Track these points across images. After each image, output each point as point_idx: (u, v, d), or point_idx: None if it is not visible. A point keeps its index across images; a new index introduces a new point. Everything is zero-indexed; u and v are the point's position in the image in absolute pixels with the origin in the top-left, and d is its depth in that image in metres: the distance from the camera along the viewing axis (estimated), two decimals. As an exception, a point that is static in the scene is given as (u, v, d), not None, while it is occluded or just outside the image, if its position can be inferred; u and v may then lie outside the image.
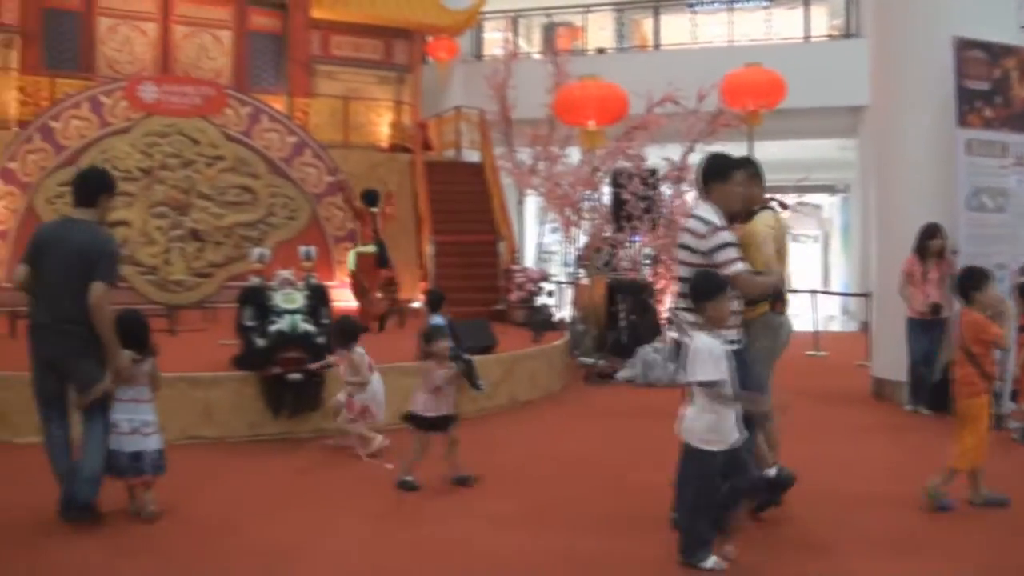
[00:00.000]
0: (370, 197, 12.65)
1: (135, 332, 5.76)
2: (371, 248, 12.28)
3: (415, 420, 6.62)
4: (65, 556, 5.16)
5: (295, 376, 7.84)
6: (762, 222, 5.83)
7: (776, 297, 5.79)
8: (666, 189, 12.78)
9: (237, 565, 5.07)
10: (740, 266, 5.21)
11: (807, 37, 20.57)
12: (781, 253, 5.85)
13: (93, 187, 5.84)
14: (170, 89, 15.00)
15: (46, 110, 14.74)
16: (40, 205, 13.98)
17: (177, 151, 14.77)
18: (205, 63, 18.06)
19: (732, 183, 5.42)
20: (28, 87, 16.02)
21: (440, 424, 6.61)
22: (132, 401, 5.71)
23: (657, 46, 22.34)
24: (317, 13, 18.42)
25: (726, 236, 5.22)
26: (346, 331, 7.77)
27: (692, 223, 5.36)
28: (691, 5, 23.12)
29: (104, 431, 5.63)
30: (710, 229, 5.22)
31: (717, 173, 5.42)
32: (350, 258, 12.19)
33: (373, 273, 12.43)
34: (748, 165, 6.01)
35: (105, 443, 5.62)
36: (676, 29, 22.79)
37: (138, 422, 5.69)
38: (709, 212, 5.31)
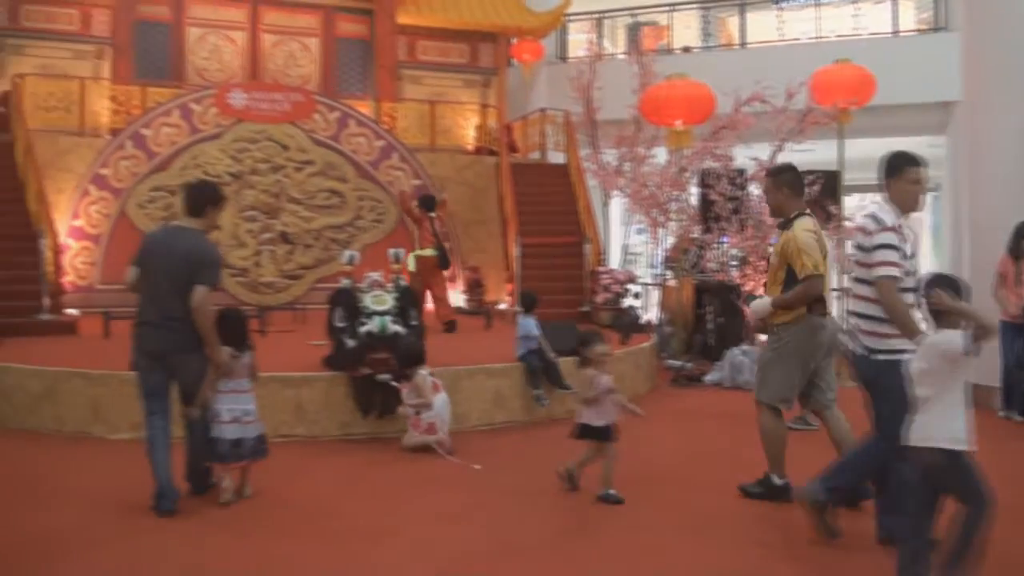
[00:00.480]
0: (427, 202, 12.71)
1: (234, 328, 6.19)
2: (430, 251, 12.31)
3: (585, 431, 6.28)
4: (173, 537, 5.46)
5: (384, 376, 7.93)
6: (801, 227, 6.01)
7: (816, 299, 5.99)
8: (754, 189, 12.63)
9: (336, 543, 5.37)
10: (892, 271, 4.98)
11: (895, 31, 20.17)
12: (823, 259, 6.06)
13: (201, 199, 6.22)
14: (259, 96, 15.29)
15: (138, 118, 15.13)
16: (132, 210, 14.36)
17: (267, 156, 15.08)
18: (293, 70, 18.40)
19: (903, 179, 5.19)
20: (119, 96, 16.47)
21: (605, 434, 6.23)
22: (232, 392, 6.11)
23: (743, 44, 22.07)
24: (403, 19, 18.67)
25: (889, 237, 5.04)
26: (409, 355, 7.87)
27: (865, 221, 5.22)
28: (777, 1, 22.84)
29: (202, 433, 6.04)
30: (878, 227, 5.07)
31: (890, 169, 5.25)
32: (410, 261, 12.28)
33: (435, 275, 12.48)
34: (788, 171, 6.38)
35: (203, 444, 6.06)
36: (762, 26, 22.53)
37: (238, 411, 6.11)
38: (883, 210, 5.17)
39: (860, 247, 5.18)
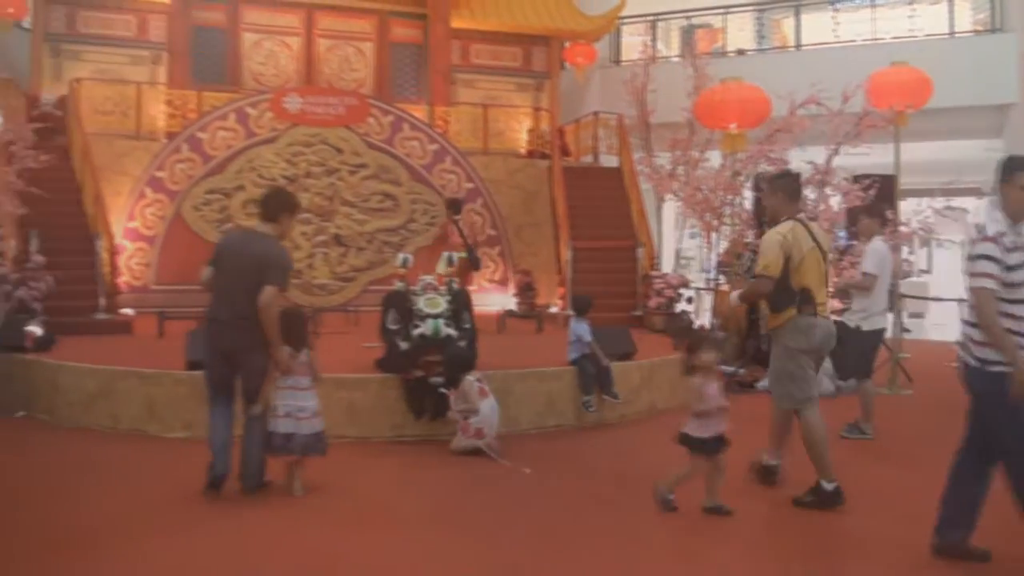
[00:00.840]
0: (455, 205, 12.65)
1: (294, 328, 6.41)
2: (462, 253, 12.21)
3: (690, 442, 5.95)
4: (233, 525, 5.72)
5: (437, 379, 7.93)
6: (775, 230, 6.30)
7: (803, 300, 6.16)
8: (809, 193, 12.47)
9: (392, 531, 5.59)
10: (985, 283, 4.83)
11: (951, 33, 19.88)
12: (805, 263, 6.16)
13: (276, 205, 6.47)
14: (314, 100, 15.37)
15: (194, 122, 15.27)
16: (187, 212, 14.50)
17: (321, 159, 15.17)
18: (348, 74, 18.52)
19: (1014, 185, 5.00)
20: (175, 100, 16.64)
21: (713, 446, 5.90)
22: (289, 389, 6.34)
23: (798, 46, 21.87)
24: (457, 23, 18.73)
25: (987, 248, 4.86)
26: (456, 362, 7.88)
27: (972, 229, 5.13)
28: (832, 2, 22.60)
29: (261, 432, 6.26)
30: (979, 237, 4.94)
31: (1003, 173, 5.08)
32: (441, 265, 12.14)
33: (468, 276, 12.38)
34: (787, 178, 6.79)
35: (261, 442, 6.27)
36: (817, 28, 22.29)
37: (293, 407, 6.32)
38: (990, 218, 5.02)
39: (968, 256, 5.04)
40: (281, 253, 6.34)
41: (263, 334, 6.13)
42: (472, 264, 12.38)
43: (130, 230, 14.46)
